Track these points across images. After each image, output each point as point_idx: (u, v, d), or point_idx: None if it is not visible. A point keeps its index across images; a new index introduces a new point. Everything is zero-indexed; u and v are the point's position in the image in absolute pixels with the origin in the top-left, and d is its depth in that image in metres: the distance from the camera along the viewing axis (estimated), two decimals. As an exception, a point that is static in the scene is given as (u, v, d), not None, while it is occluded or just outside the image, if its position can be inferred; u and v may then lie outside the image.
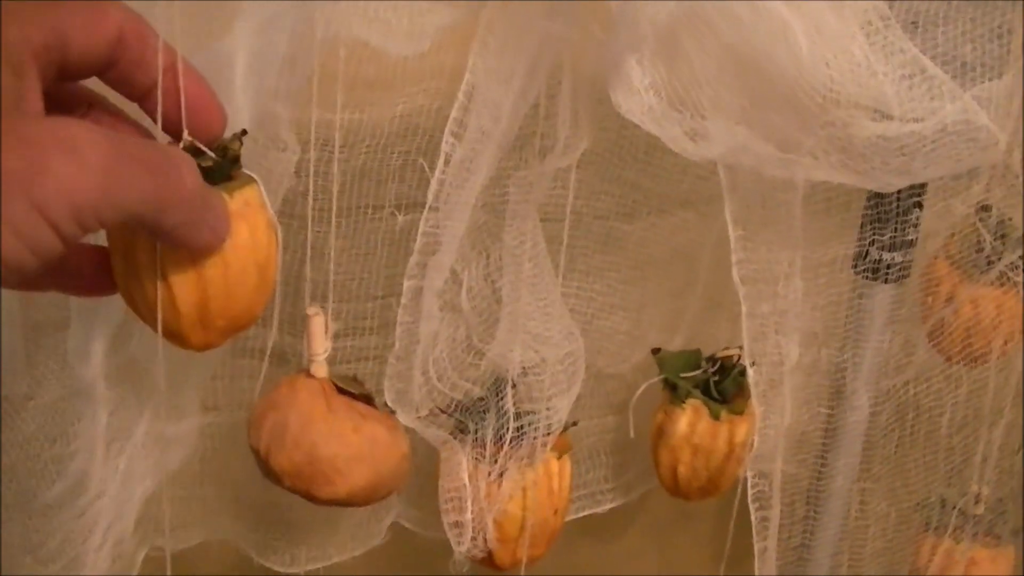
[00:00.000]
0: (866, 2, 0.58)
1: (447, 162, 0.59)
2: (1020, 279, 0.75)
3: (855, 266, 0.72)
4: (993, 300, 0.76)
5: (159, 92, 0.49)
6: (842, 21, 0.58)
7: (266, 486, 0.60)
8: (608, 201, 0.73)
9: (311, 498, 0.59)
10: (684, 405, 0.73)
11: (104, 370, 0.61)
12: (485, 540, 0.66)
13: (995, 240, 0.75)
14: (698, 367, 0.74)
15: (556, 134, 0.61)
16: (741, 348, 0.71)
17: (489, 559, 0.68)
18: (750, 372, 0.68)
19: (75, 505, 0.63)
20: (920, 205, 0.71)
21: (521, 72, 0.58)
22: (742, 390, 0.71)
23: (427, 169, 0.60)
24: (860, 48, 0.58)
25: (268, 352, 0.64)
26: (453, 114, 0.58)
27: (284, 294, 0.67)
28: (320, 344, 0.59)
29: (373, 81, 0.60)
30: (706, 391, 0.73)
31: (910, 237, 0.71)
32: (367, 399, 0.61)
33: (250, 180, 0.52)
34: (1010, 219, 0.75)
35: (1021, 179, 0.74)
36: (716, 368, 0.73)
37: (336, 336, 0.62)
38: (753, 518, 0.70)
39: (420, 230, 0.59)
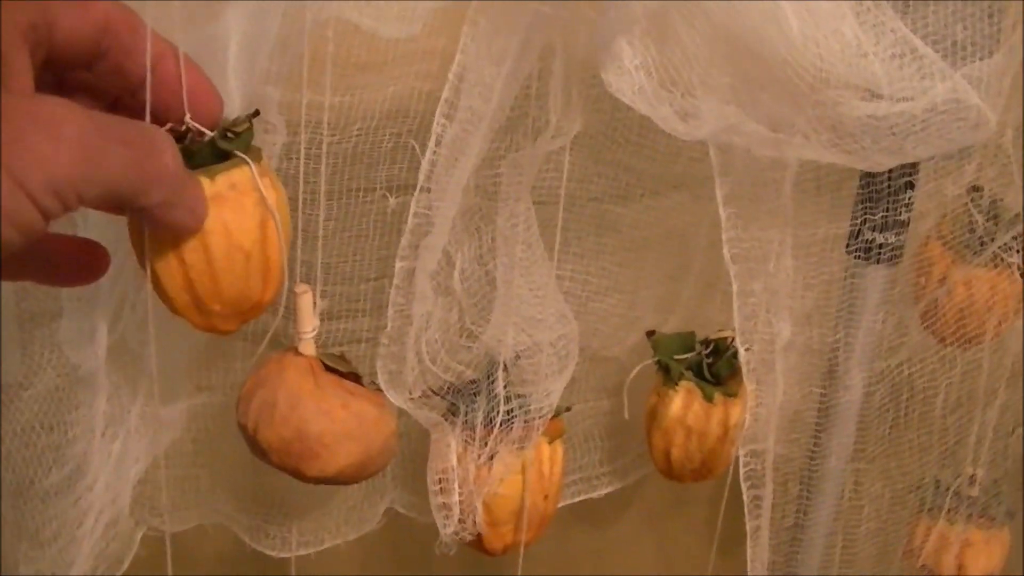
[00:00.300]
0: (856, -18, 0.58)
1: (438, 143, 0.59)
2: (1013, 260, 0.75)
3: (848, 246, 0.72)
4: (987, 281, 0.76)
5: (149, 79, 0.49)
6: (832, 1, 0.58)
7: (258, 468, 0.60)
8: (602, 183, 0.73)
9: (299, 475, 0.59)
10: (677, 387, 0.73)
11: (103, 355, 0.61)
12: (474, 523, 0.66)
13: (987, 221, 0.75)
14: (693, 349, 0.74)
15: (548, 116, 0.61)
16: (735, 330, 0.71)
17: (479, 543, 0.68)
18: (742, 352, 0.68)
19: (72, 492, 0.63)
20: (912, 185, 0.71)
21: (512, 53, 0.58)
22: (736, 372, 0.71)
23: (418, 151, 0.60)
24: (850, 28, 0.58)
25: (269, 335, 0.64)
26: (444, 95, 0.58)
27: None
28: (308, 322, 0.60)
29: (364, 64, 0.60)
30: (700, 373, 0.73)
31: (902, 217, 0.71)
32: (355, 377, 0.61)
33: (241, 162, 0.51)
34: (1002, 200, 0.75)
35: (1013, 159, 0.74)
36: (710, 350, 0.73)
37: (329, 318, 0.63)
38: (745, 497, 0.70)
39: (411, 211, 0.59)
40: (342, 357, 0.61)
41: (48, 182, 0.42)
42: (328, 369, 0.60)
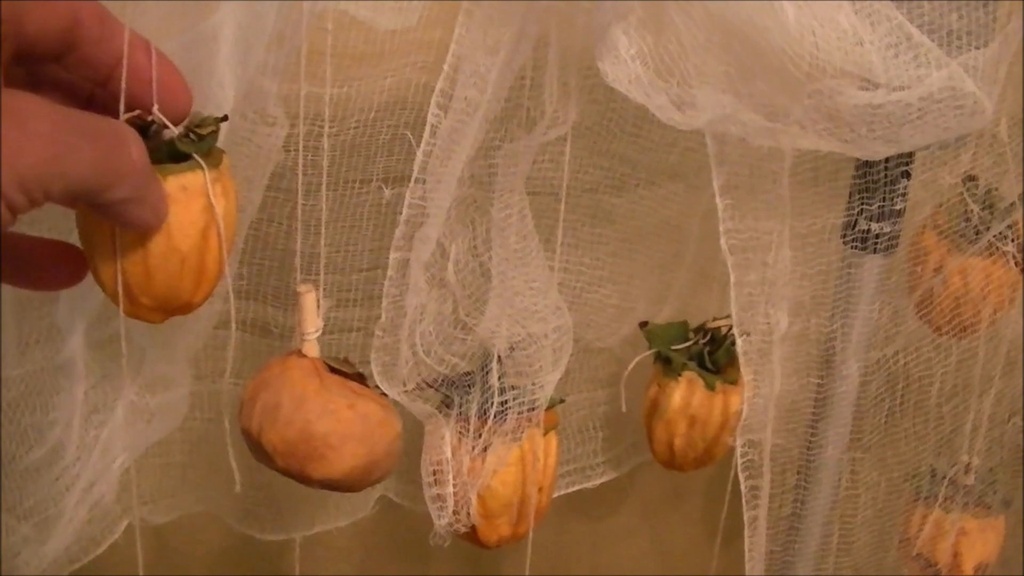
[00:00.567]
0: (852, -29, 0.58)
1: (433, 133, 0.59)
2: (1008, 249, 0.75)
3: (843, 236, 0.72)
4: (981, 270, 0.76)
5: (125, 67, 0.49)
6: (828, -11, 0.58)
7: (249, 456, 0.60)
8: (597, 174, 0.73)
9: (304, 478, 0.58)
10: (679, 378, 0.73)
11: (84, 345, 0.61)
12: (468, 515, 0.66)
13: (982, 210, 0.75)
14: (686, 339, 0.74)
15: (543, 106, 0.61)
16: (728, 317, 0.71)
17: (473, 535, 0.67)
18: (739, 342, 0.68)
19: (50, 471, 0.64)
20: (908, 175, 0.71)
21: (507, 43, 0.58)
22: (734, 359, 0.71)
23: (413, 142, 0.60)
24: (846, 16, 0.58)
25: (232, 323, 0.64)
26: (439, 85, 0.58)
27: (269, 267, 0.67)
28: (312, 323, 0.59)
29: (361, 55, 0.60)
30: (700, 362, 0.73)
31: (898, 207, 0.71)
32: (359, 378, 0.60)
33: (197, 166, 0.51)
34: (997, 189, 0.75)
35: (1008, 148, 0.74)
36: (707, 339, 0.74)
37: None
38: (743, 487, 0.70)
39: (406, 202, 0.59)
40: (346, 360, 0.61)
41: (15, 177, 0.42)
42: (332, 370, 0.59)
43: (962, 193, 0.75)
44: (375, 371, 0.62)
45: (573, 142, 0.65)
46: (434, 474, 0.65)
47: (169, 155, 0.51)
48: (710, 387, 0.72)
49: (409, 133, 0.63)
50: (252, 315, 0.69)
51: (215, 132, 0.51)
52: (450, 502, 0.65)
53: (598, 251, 0.77)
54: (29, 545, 0.65)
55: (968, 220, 0.75)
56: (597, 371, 0.82)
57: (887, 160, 0.69)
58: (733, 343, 0.70)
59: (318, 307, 0.59)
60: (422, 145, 0.59)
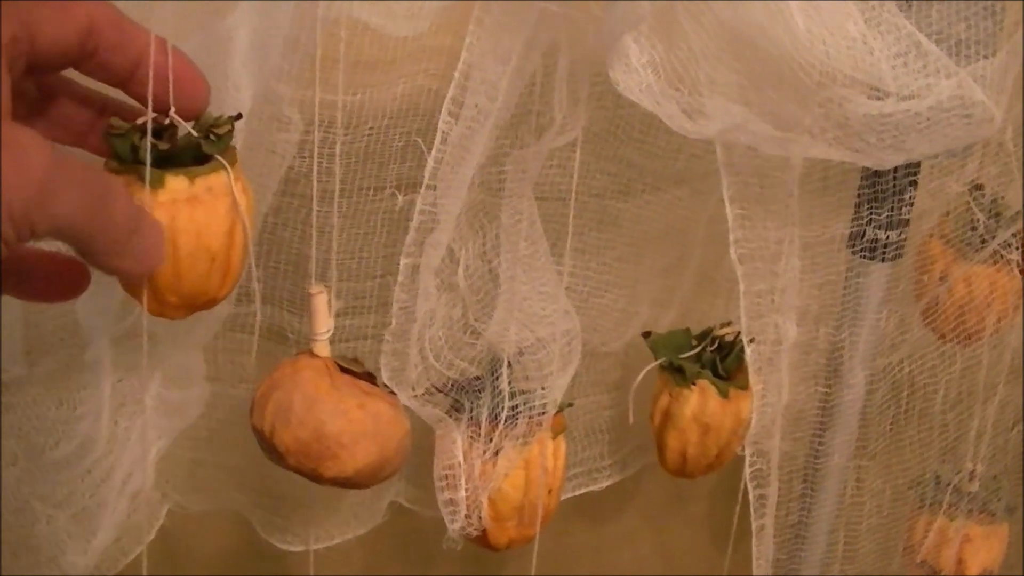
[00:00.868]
0: (862, -20, 0.58)
1: (444, 141, 0.59)
2: (1013, 257, 0.75)
3: (851, 245, 0.72)
4: (986, 278, 0.76)
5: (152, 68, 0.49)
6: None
7: (266, 462, 0.61)
8: (604, 179, 0.73)
9: (316, 477, 0.59)
10: (692, 387, 0.73)
11: (108, 341, 0.61)
12: (479, 518, 0.66)
13: (988, 219, 0.75)
14: (689, 346, 0.74)
15: (552, 113, 0.61)
16: (731, 324, 0.72)
17: (483, 538, 0.68)
18: (748, 350, 0.69)
19: (80, 464, 0.64)
20: (915, 184, 0.71)
21: (518, 50, 0.58)
22: (742, 364, 0.71)
23: (425, 149, 0.60)
24: (856, 26, 0.59)
25: (257, 328, 0.64)
26: (450, 93, 0.58)
27: (284, 272, 0.67)
28: (323, 323, 0.59)
29: (374, 62, 0.60)
30: (712, 370, 0.73)
31: (905, 216, 0.72)
32: (369, 378, 0.61)
33: (220, 166, 0.51)
34: (1003, 198, 0.75)
35: (1014, 157, 0.74)
36: (715, 346, 0.74)
37: (336, 315, 0.63)
38: (751, 496, 0.71)
39: (417, 208, 0.59)
40: (356, 359, 0.61)
41: (6, 212, 0.42)
42: (343, 370, 0.60)
43: (968, 202, 0.75)
44: (385, 376, 0.62)
45: (581, 148, 0.65)
46: (446, 478, 0.65)
47: (193, 157, 0.51)
48: (723, 394, 0.72)
49: (420, 140, 0.63)
50: (268, 320, 0.69)
51: (231, 131, 0.52)
52: (462, 506, 0.65)
53: (604, 256, 0.77)
54: (74, 539, 0.65)
55: (974, 228, 0.75)
56: (603, 375, 0.82)
57: (895, 170, 0.69)
58: (742, 349, 0.70)
59: (330, 308, 0.60)
60: (433, 152, 0.59)
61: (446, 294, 0.64)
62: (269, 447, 0.59)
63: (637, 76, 0.58)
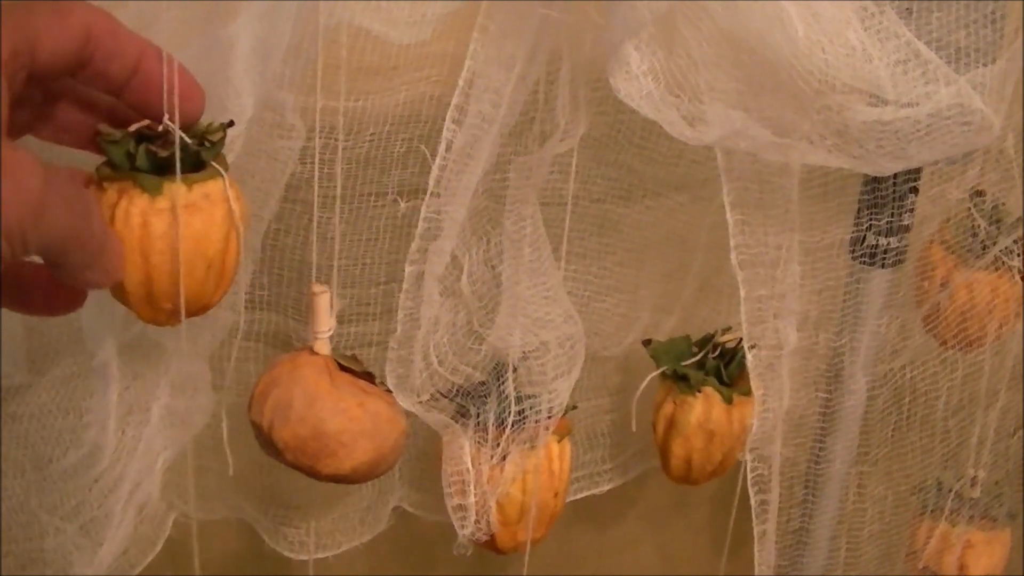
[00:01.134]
0: (862, -11, 0.59)
1: (448, 148, 0.59)
2: (1015, 263, 0.75)
3: (852, 251, 0.73)
4: (988, 284, 0.76)
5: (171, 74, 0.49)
6: (838, 7, 0.59)
7: (272, 469, 0.61)
8: (604, 185, 0.73)
9: (313, 473, 0.59)
10: (697, 394, 0.73)
11: (117, 348, 0.62)
12: (488, 523, 0.66)
13: (989, 225, 0.75)
14: (690, 353, 0.75)
15: (555, 119, 0.62)
16: (731, 330, 0.72)
17: (491, 542, 0.68)
18: (749, 356, 0.69)
19: (89, 473, 0.64)
20: (915, 190, 0.71)
21: (521, 57, 0.58)
22: (744, 371, 0.71)
23: (428, 156, 0.61)
24: (855, 33, 0.59)
25: (239, 331, 0.64)
26: (454, 101, 0.59)
27: (288, 279, 0.68)
28: (324, 322, 0.60)
29: (376, 69, 0.61)
30: (715, 377, 0.74)
31: (906, 222, 0.72)
32: (368, 376, 0.61)
33: (217, 173, 0.52)
34: (1004, 204, 0.75)
35: (1014, 164, 0.74)
36: (717, 353, 0.74)
37: (340, 321, 0.63)
38: (753, 502, 0.70)
39: (421, 216, 0.60)
40: (355, 357, 0.62)
41: (5, 231, 0.43)
42: (343, 368, 0.60)
43: (969, 208, 0.75)
44: (390, 383, 0.62)
45: (582, 153, 0.66)
46: (455, 484, 0.66)
47: (191, 164, 0.51)
48: (727, 401, 0.72)
49: (423, 146, 0.63)
50: (273, 327, 0.70)
51: (223, 138, 0.52)
52: (472, 511, 0.66)
53: (605, 261, 0.77)
54: (81, 551, 0.65)
55: (975, 235, 0.75)
56: (604, 379, 0.82)
57: (895, 176, 0.70)
58: (744, 355, 0.71)
59: (331, 307, 0.60)
60: (437, 160, 0.59)
61: (450, 300, 0.65)
62: (267, 442, 0.60)
63: (638, 83, 0.58)
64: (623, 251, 0.77)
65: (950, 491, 0.83)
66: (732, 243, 0.66)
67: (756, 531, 0.72)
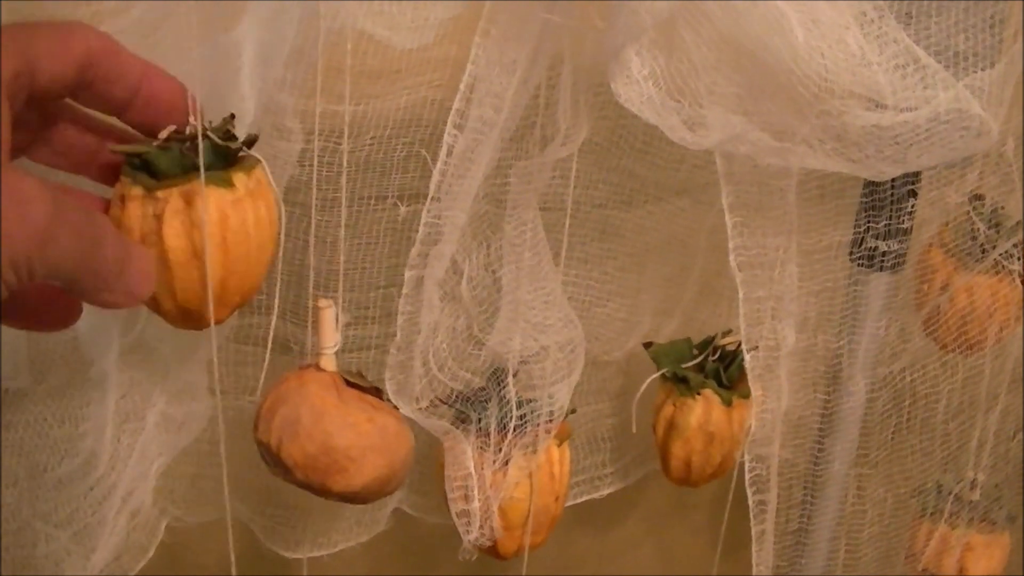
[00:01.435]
0: (861, -7, 0.59)
1: (449, 153, 0.59)
2: (1014, 267, 0.76)
3: (851, 254, 0.73)
4: (988, 288, 0.76)
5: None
6: (837, 12, 0.59)
7: (269, 474, 0.61)
8: (605, 190, 0.73)
9: (324, 491, 0.58)
10: (697, 396, 0.73)
11: (115, 356, 0.62)
12: (492, 528, 0.66)
13: (989, 228, 0.75)
14: (690, 355, 0.75)
15: (557, 124, 0.62)
16: (732, 332, 0.72)
17: (494, 547, 0.68)
18: (747, 357, 0.69)
19: (84, 481, 0.64)
20: (914, 193, 0.71)
21: (523, 62, 0.58)
22: (744, 373, 0.72)
23: (429, 160, 0.61)
24: (854, 38, 0.59)
25: (270, 340, 0.65)
26: (455, 105, 0.59)
27: (287, 282, 0.68)
28: (330, 337, 0.59)
29: (378, 73, 0.61)
30: (715, 379, 0.74)
31: (905, 225, 0.72)
32: (375, 392, 0.61)
33: (257, 161, 0.53)
34: (1003, 207, 0.76)
35: (1014, 168, 0.75)
36: (717, 356, 0.74)
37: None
38: (751, 502, 0.71)
39: (422, 220, 0.60)
40: (360, 374, 0.61)
41: (9, 257, 0.43)
42: (349, 384, 0.60)
43: (969, 212, 0.75)
44: (390, 389, 0.62)
45: (583, 158, 0.66)
46: (458, 490, 0.66)
47: (223, 158, 0.52)
48: (727, 403, 0.73)
49: (424, 151, 0.63)
50: (271, 331, 0.70)
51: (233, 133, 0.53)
52: (476, 517, 0.65)
53: (607, 265, 0.77)
54: (73, 557, 0.65)
55: (974, 238, 0.75)
56: (604, 384, 0.82)
57: (894, 179, 0.70)
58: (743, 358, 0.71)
59: (337, 322, 0.60)
60: (438, 164, 0.59)
61: (450, 305, 0.65)
62: (275, 461, 0.59)
63: (638, 88, 0.58)
64: (624, 256, 0.77)
65: (950, 494, 0.83)
66: (731, 244, 0.66)
67: (754, 531, 0.72)
